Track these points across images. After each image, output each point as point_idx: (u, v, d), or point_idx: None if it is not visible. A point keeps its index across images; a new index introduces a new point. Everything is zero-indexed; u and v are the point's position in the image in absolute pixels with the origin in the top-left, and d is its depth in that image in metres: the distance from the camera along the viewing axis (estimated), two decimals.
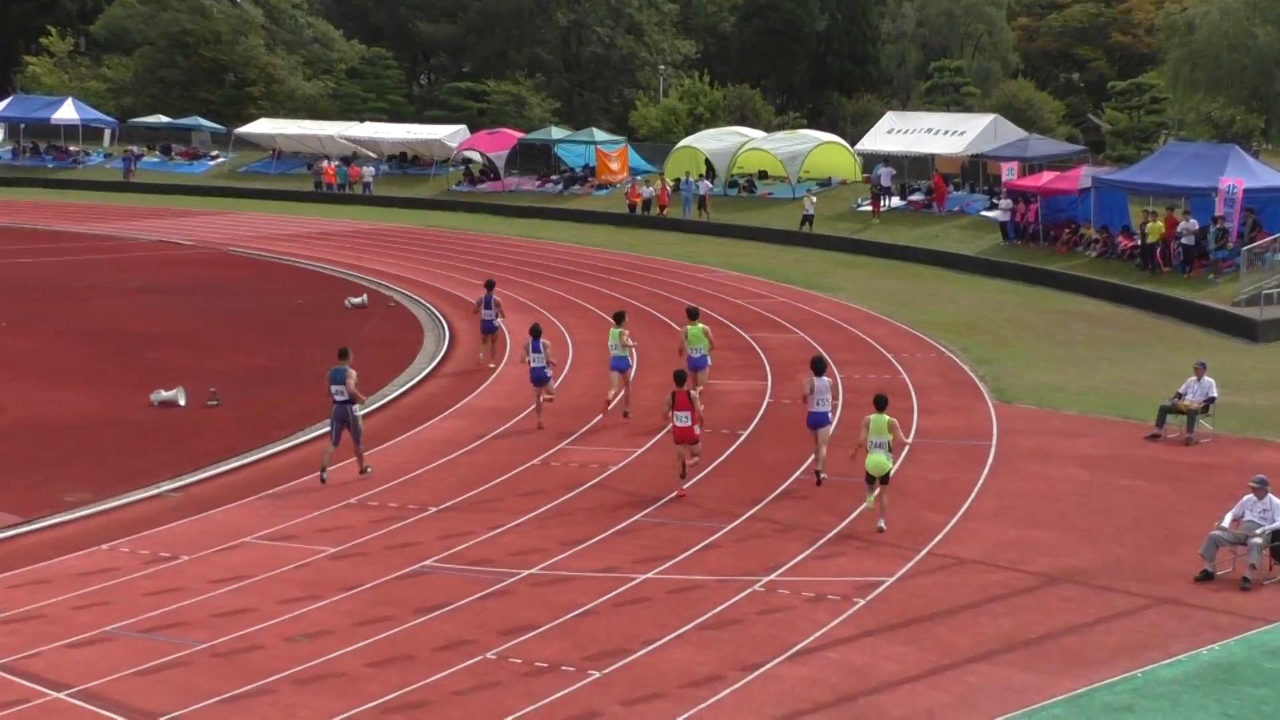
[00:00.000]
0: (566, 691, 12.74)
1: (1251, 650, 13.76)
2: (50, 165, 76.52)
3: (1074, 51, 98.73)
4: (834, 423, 20.38)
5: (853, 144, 60.52)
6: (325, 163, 70.66)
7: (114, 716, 12.24)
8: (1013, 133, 54.65)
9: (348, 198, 68.26)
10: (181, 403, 24.79)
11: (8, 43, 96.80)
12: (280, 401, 25.43)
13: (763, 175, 61.38)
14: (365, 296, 37.30)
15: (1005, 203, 47.36)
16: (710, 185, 59.35)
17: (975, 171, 55.36)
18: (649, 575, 15.93)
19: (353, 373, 20.02)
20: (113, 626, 14.30)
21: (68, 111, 76.51)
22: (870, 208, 54.06)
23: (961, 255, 46.64)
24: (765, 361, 29.16)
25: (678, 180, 60.27)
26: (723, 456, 21.21)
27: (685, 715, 12.29)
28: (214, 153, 78.09)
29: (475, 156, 69.63)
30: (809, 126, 74.03)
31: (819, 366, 19.84)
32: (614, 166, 64.70)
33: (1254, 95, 68.62)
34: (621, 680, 13.02)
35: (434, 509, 18.71)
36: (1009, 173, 48.81)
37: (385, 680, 12.97)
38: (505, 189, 66.55)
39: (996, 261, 44.96)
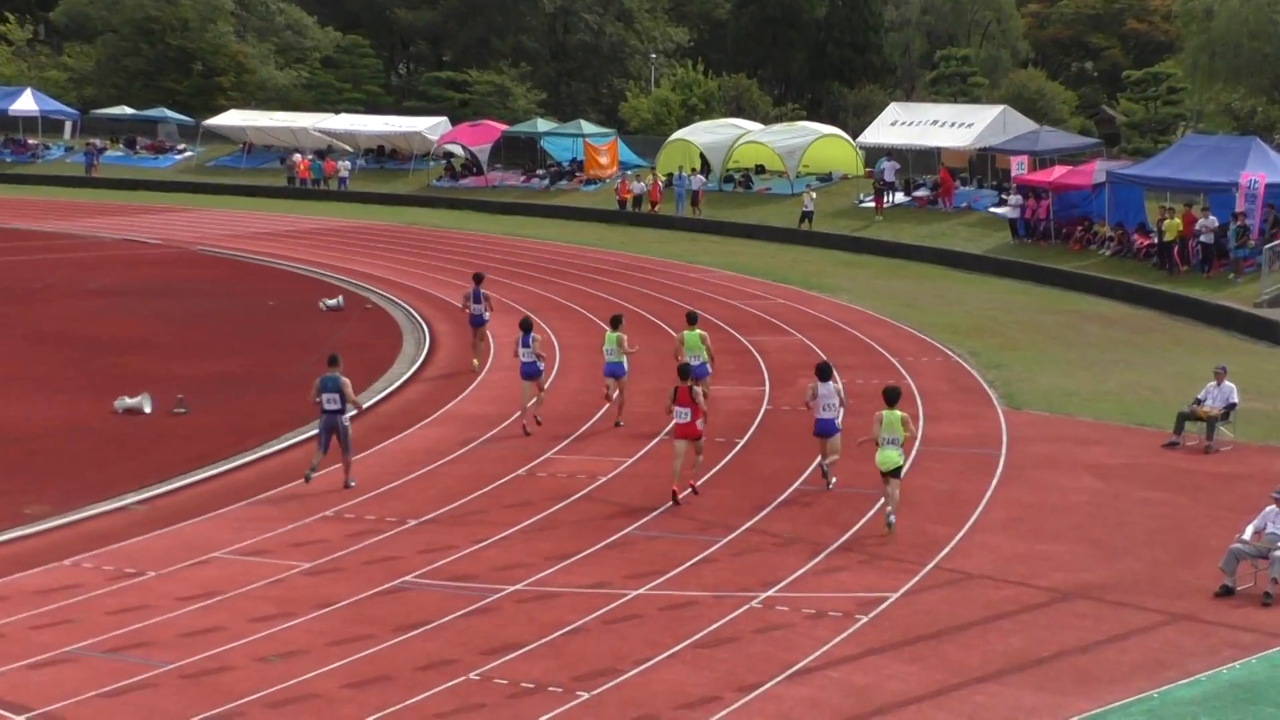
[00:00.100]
0: (554, 713, 12.75)
1: (1274, 669, 13.80)
2: (8, 159, 76.42)
3: (1087, 39, 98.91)
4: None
5: (854, 137, 60.61)
6: (298, 157, 70.59)
7: None
8: (1023, 125, 54.74)
9: (322, 193, 68.22)
10: (147, 410, 24.76)
11: None
12: (251, 409, 25.41)
13: (760, 170, 61.45)
14: (341, 298, 37.28)
15: (1015, 198, 47.47)
16: (704, 180, 59.39)
17: (983, 166, 55.48)
18: (640, 591, 15.94)
19: (346, 380, 20.16)
20: (75, 646, 14.27)
21: (26, 103, 76.34)
22: (873, 204, 54.15)
23: (969, 254, 46.72)
24: (763, 366, 29.19)
25: (670, 175, 60.29)
26: (719, 466, 21.24)
27: None
28: (181, 146, 77.98)
29: (457, 150, 69.59)
30: (808, 118, 74.12)
31: (824, 371, 19.87)
32: (603, 161, 64.72)
33: (1276, 85, 68.81)
34: (612, 702, 13.03)
35: (414, 522, 18.71)
36: (1019, 167, 48.91)
37: (363, 702, 12.97)
38: (488, 184, 66.55)
39: (1006, 260, 45.06)
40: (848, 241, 50.96)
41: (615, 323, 24.19)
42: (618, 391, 24.09)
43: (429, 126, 70.79)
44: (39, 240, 50.69)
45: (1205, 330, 34.48)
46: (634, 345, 24.48)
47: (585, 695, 13.10)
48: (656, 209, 59.15)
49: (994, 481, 20.51)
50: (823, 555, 17.24)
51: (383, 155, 72.94)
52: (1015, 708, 12.91)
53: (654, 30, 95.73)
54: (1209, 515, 18.87)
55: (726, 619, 15.03)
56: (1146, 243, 41.65)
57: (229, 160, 75.34)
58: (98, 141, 76.39)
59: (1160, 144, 65.45)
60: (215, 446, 22.59)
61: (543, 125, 70.58)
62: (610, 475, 20.95)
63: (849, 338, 32.41)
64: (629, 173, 63.28)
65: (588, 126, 69.18)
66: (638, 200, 59.89)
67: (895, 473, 18.15)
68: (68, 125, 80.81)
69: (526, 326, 23.85)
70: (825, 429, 19.79)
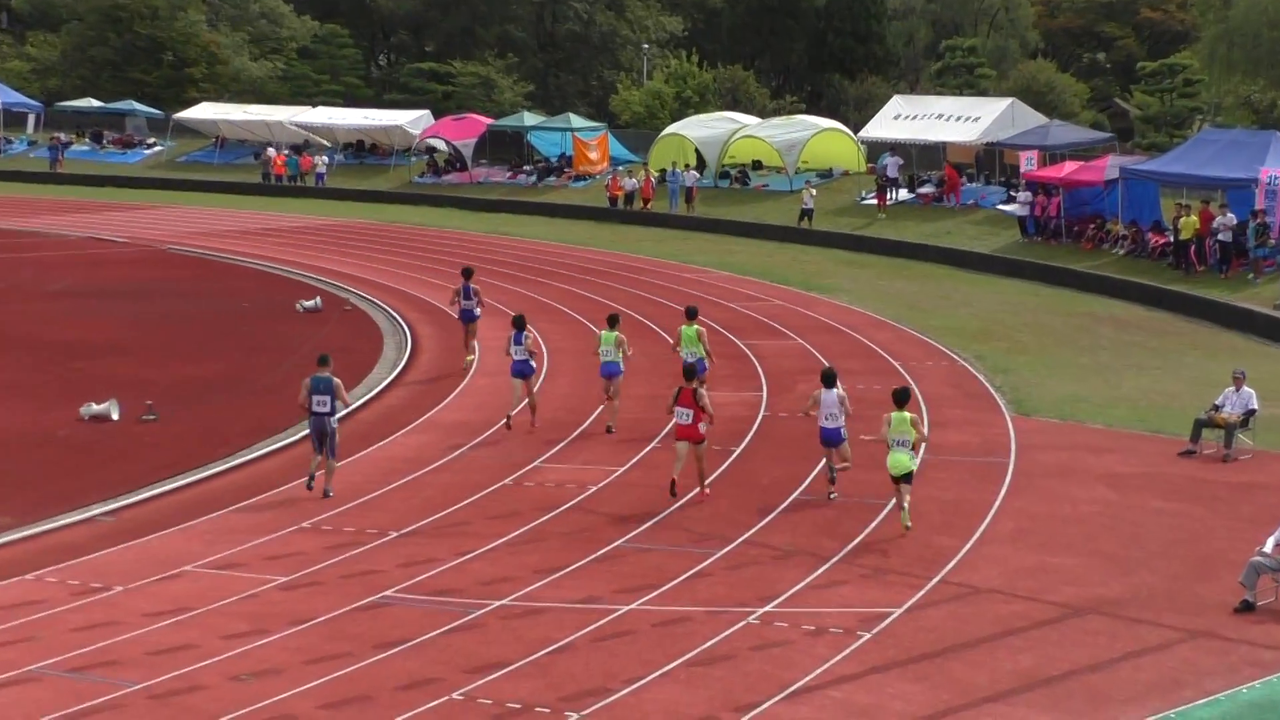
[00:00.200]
0: None
1: None
2: None
3: (1099, 29, 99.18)
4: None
5: (856, 131, 60.72)
6: (274, 152, 70.56)
7: None
8: (1032, 118, 54.85)
9: (299, 190, 68.20)
10: (115, 417, 24.72)
11: None
12: (224, 415, 25.38)
13: (757, 166, 61.49)
14: (319, 299, 37.26)
15: (1024, 195, 47.54)
16: (699, 177, 59.44)
17: (991, 161, 55.56)
18: (632, 606, 15.93)
19: (339, 381, 20.37)
20: (38, 665, 14.23)
21: None
22: (875, 201, 54.20)
23: (976, 253, 46.78)
24: (760, 371, 29.21)
25: (663, 171, 60.36)
26: (714, 475, 21.23)
27: None
28: (150, 140, 77.96)
29: (440, 145, 69.63)
30: (807, 111, 74.28)
31: (828, 378, 19.88)
32: (593, 156, 64.76)
33: None
34: None
35: (395, 534, 18.68)
36: (1028, 162, 48.99)
37: None
38: (473, 181, 66.56)
39: (1014, 260, 45.12)
40: (849, 240, 51.00)
41: (612, 322, 24.32)
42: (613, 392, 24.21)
43: (410, 120, 70.77)
44: (0, 239, 50.59)
45: (1223, 333, 34.52)
46: (629, 348, 24.56)
47: (574, 716, 13.08)
48: (649, 207, 59.19)
49: (1002, 491, 20.52)
50: (823, 568, 17.23)
51: (362, 150, 72.94)
52: None
53: (646, 19, 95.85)
54: (1228, 527, 18.88)
55: (722, 636, 15.01)
56: (1162, 241, 41.71)
57: (201, 155, 75.29)
58: (63, 135, 76.28)
59: (1176, 138, 65.65)
60: (186, 455, 22.55)
61: (530, 119, 70.58)
62: (601, 485, 20.93)
63: (850, 341, 32.42)
64: (620, 169, 63.28)
65: (577, 120, 69.19)
66: (629, 197, 59.91)
67: (907, 478, 18.28)
68: (31, 118, 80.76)
69: (520, 323, 24.10)
70: (829, 438, 19.83)
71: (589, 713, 13.17)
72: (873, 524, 18.78)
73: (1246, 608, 15.74)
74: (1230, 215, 39.12)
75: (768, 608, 15.87)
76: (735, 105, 76.12)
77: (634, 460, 22.18)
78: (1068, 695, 13.62)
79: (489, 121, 69.43)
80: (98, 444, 23.40)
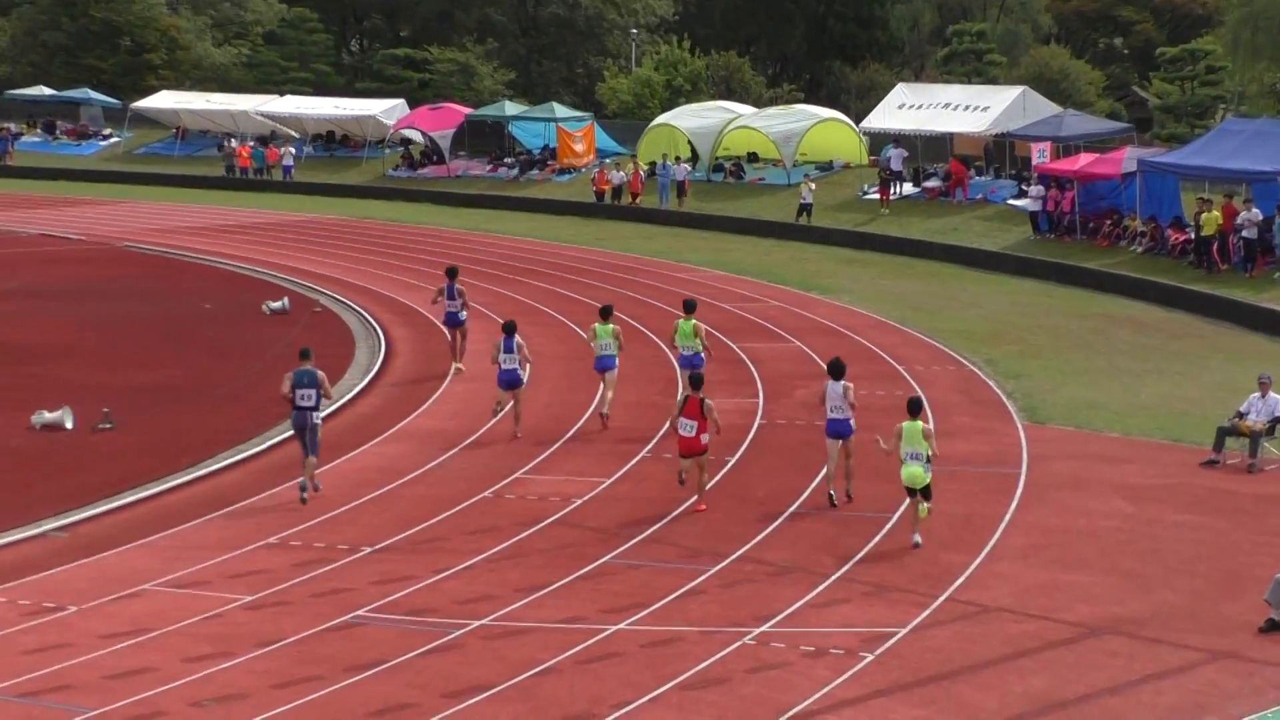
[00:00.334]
0: None
1: None
2: None
3: (1116, 13, 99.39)
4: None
5: (858, 121, 60.76)
6: (238, 143, 70.50)
7: None
8: (1045, 108, 54.94)
9: (265, 184, 68.12)
10: (68, 425, 24.68)
11: None
12: (186, 424, 25.35)
13: (752, 158, 61.54)
14: (286, 300, 37.23)
15: (1036, 190, 47.60)
16: (690, 170, 59.45)
17: (1001, 153, 55.62)
18: (620, 626, 15.94)
19: (322, 374, 20.83)
20: None
21: None
22: (878, 196, 54.24)
23: (984, 251, 46.83)
24: (756, 376, 29.22)
25: (653, 164, 60.36)
26: (707, 487, 21.23)
27: None
28: (106, 131, 77.82)
29: (415, 136, 69.60)
30: (806, 101, 74.32)
31: (834, 369, 20.09)
32: (578, 148, 64.76)
33: None
34: None
35: (368, 549, 18.68)
36: (1040, 155, 49.04)
37: None
38: (451, 174, 66.55)
39: (1025, 258, 45.16)
40: (850, 237, 51.04)
41: (606, 313, 24.42)
42: (608, 393, 24.27)
43: (384, 110, 70.73)
44: None
45: (1248, 336, 34.58)
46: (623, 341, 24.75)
47: None
48: (638, 201, 59.17)
49: (1013, 504, 20.55)
50: (823, 586, 17.24)
51: (333, 142, 72.89)
52: None
53: (635, 2, 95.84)
54: (1253, 541, 18.92)
55: (715, 657, 15.02)
56: (1182, 238, 41.77)
57: (160, 147, 75.16)
58: (12, 126, 76.21)
59: (1197, 129, 65.74)
60: (144, 466, 22.51)
61: (511, 108, 70.60)
62: (586, 497, 20.93)
63: (852, 344, 32.43)
64: (607, 161, 63.30)
65: (561, 110, 69.17)
66: (617, 192, 59.89)
67: (924, 492, 18.52)
68: None
69: (510, 329, 24.06)
70: (835, 430, 20.01)
71: None
72: (876, 538, 18.80)
73: (1273, 626, 15.76)
74: (1255, 210, 39.18)
75: (764, 627, 15.88)
76: (729, 94, 76.22)
77: (621, 472, 22.18)
78: (1083, 719, 13.64)
79: (467, 111, 69.36)
80: (50, 454, 23.35)
